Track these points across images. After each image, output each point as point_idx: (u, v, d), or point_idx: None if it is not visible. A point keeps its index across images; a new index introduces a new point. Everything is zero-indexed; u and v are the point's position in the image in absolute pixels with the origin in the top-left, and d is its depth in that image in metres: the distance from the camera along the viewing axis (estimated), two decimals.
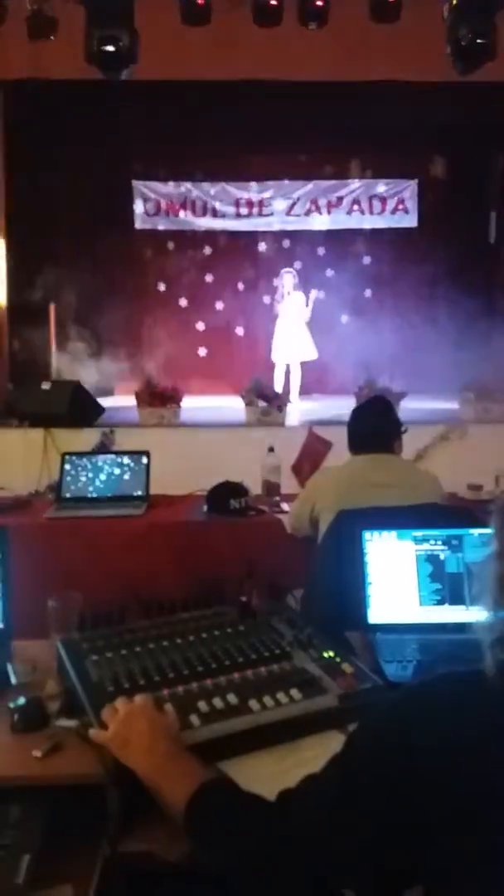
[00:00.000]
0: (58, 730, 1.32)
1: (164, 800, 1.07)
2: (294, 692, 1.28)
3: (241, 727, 1.21)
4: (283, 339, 7.49)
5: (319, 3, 4.82)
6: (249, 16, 4.91)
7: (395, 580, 1.73)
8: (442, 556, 1.71)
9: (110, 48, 4.47)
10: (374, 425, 2.64)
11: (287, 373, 7.50)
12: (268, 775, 1.12)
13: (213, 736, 1.20)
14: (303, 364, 7.58)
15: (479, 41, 4.41)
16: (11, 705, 1.37)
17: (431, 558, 1.72)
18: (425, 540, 1.73)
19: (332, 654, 1.41)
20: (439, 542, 1.72)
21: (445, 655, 1.56)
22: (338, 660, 1.39)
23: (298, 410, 6.08)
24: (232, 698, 1.26)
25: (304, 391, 7.63)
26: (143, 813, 1.13)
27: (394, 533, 1.74)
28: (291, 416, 5.51)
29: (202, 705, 1.25)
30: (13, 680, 1.51)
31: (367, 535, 1.74)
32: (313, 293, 7.51)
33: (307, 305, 7.50)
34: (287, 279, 7.55)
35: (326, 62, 5.32)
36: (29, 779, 1.22)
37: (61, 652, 1.44)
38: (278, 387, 6.80)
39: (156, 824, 1.11)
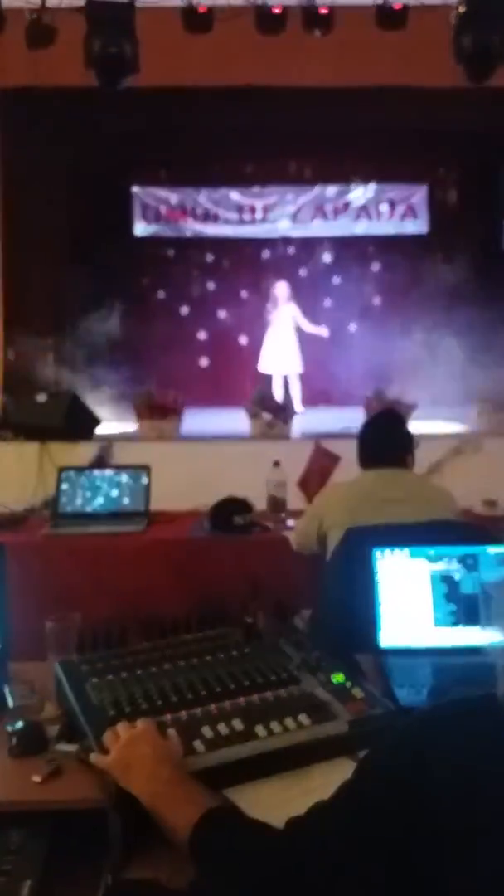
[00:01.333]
0: (57, 754, 1.30)
1: (167, 827, 1.05)
2: (302, 718, 1.25)
3: (246, 753, 1.19)
4: (271, 351, 7.48)
5: (324, 10, 4.82)
6: (252, 23, 4.91)
7: (408, 600, 1.68)
8: (457, 576, 1.67)
9: (110, 57, 4.47)
10: (386, 439, 2.60)
11: (286, 384, 7.47)
12: (275, 803, 1.10)
13: (218, 762, 1.17)
14: (302, 375, 7.55)
15: (486, 48, 4.40)
16: (10, 729, 1.35)
17: (446, 578, 1.67)
18: (440, 558, 1.68)
19: (341, 678, 1.38)
20: (454, 561, 1.67)
21: (460, 679, 1.51)
22: (348, 684, 1.36)
23: (304, 423, 6.03)
24: (237, 724, 1.24)
25: (311, 402, 7.59)
26: (146, 840, 1.11)
27: (406, 550, 1.70)
28: (297, 429, 5.46)
29: (206, 731, 1.22)
30: (10, 703, 1.48)
31: (377, 553, 1.69)
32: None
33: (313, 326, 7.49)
34: (280, 290, 7.53)
35: (332, 68, 5.32)
36: (29, 804, 1.21)
37: (60, 674, 1.42)
38: (278, 398, 6.77)
39: (159, 851, 1.09)
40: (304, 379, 7.58)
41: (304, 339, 7.72)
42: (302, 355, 7.60)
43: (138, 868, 1.12)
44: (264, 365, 7.55)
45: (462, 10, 4.48)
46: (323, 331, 7.60)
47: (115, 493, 3.29)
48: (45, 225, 7.10)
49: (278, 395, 7.07)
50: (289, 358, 7.42)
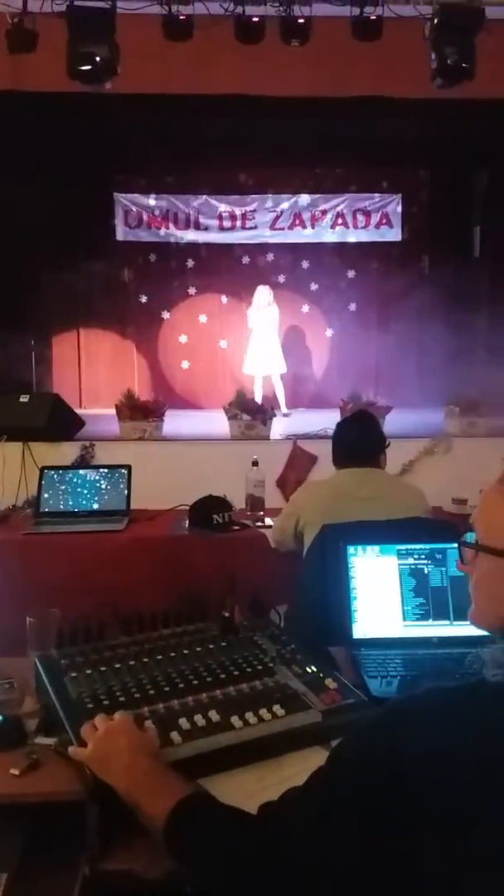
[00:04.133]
0: (36, 747, 1.30)
1: (144, 817, 1.05)
2: (277, 708, 1.27)
3: (223, 744, 1.20)
4: (255, 353, 7.50)
5: (301, 20, 4.86)
6: (232, 32, 4.94)
7: (379, 595, 1.72)
8: (426, 570, 1.71)
9: (91, 62, 4.49)
10: (359, 439, 2.65)
11: (268, 386, 7.49)
12: (250, 792, 1.11)
13: (195, 753, 1.18)
14: (283, 377, 7.59)
15: (458, 60, 4.48)
16: None
17: (415, 572, 1.71)
18: (409, 554, 1.72)
19: (315, 669, 1.40)
20: (423, 557, 1.72)
21: (430, 670, 1.55)
22: (321, 675, 1.38)
23: (283, 424, 6.08)
24: (214, 715, 1.25)
25: (289, 404, 7.64)
26: (123, 831, 1.11)
27: (377, 547, 1.74)
28: (276, 430, 5.50)
29: (183, 722, 1.23)
30: None
31: (350, 549, 1.73)
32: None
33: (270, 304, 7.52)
34: (261, 293, 7.57)
35: (309, 78, 5.37)
36: (6, 797, 1.20)
37: (39, 669, 1.42)
38: (259, 400, 6.80)
39: (136, 842, 1.10)
40: (284, 382, 7.62)
41: (283, 344, 7.77)
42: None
43: (115, 859, 1.13)
44: (248, 367, 7.57)
45: (436, 21, 4.56)
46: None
47: (96, 492, 3.31)
48: (27, 229, 7.08)
49: (258, 397, 7.10)
50: (272, 360, 7.45)
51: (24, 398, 5.03)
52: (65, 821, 1.16)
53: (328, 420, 5.12)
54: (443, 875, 0.78)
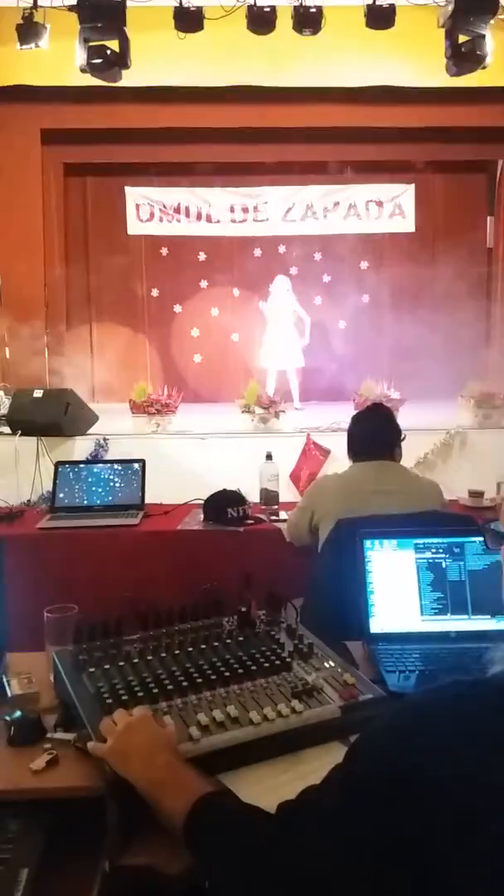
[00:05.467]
0: (55, 743, 1.31)
1: (163, 813, 1.05)
2: (295, 703, 1.27)
3: (241, 739, 1.20)
4: (273, 346, 7.46)
5: (313, 9, 4.83)
6: (243, 22, 4.91)
7: (396, 589, 1.71)
8: (444, 564, 1.70)
9: (102, 55, 4.48)
10: (375, 432, 2.63)
11: (283, 380, 7.46)
12: (269, 787, 1.11)
13: (214, 748, 1.18)
14: (298, 370, 7.56)
15: (472, 47, 4.43)
16: (8, 718, 1.36)
17: (433, 566, 1.70)
18: (427, 548, 1.71)
19: (332, 664, 1.40)
20: (441, 550, 1.70)
21: (448, 665, 1.54)
22: (339, 670, 1.38)
23: (296, 418, 6.06)
24: (232, 710, 1.25)
25: (303, 397, 7.61)
26: (142, 827, 1.11)
27: (394, 541, 1.73)
28: (289, 423, 5.49)
29: (202, 717, 1.23)
30: (9, 693, 1.49)
31: (367, 543, 1.72)
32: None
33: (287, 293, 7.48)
34: (279, 284, 7.53)
35: (322, 68, 5.34)
36: (26, 792, 1.21)
37: (58, 664, 1.42)
38: (272, 393, 6.78)
39: (155, 838, 1.09)
40: (298, 374, 7.60)
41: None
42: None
43: (135, 854, 1.13)
44: (264, 360, 7.53)
45: (450, 8, 4.51)
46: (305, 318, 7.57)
47: (110, 486, 3.31)
48: (38, 223, 7.10)
49: (271, 390, 7.08)
50: (289, 353, 7.41)
51: (38, 393, 5.05)
52: (85, 816, 1.17)
53: (341, 413, 5.10)
54: (460, 874, 0.77)
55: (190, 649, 1.45)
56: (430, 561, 1.71)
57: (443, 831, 0.79)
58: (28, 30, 4.82)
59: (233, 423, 5.45)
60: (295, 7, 4.86)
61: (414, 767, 0.82)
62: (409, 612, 1.70)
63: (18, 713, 1.36)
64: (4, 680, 1.53)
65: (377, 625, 1.71)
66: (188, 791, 1.03)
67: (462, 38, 4.63)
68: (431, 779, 0.80)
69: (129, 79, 4.82)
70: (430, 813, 0.79)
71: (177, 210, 8.61)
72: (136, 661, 1.41)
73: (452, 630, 1.67)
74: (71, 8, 4.54)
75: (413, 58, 5.29)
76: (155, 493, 3.36)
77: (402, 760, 0.83)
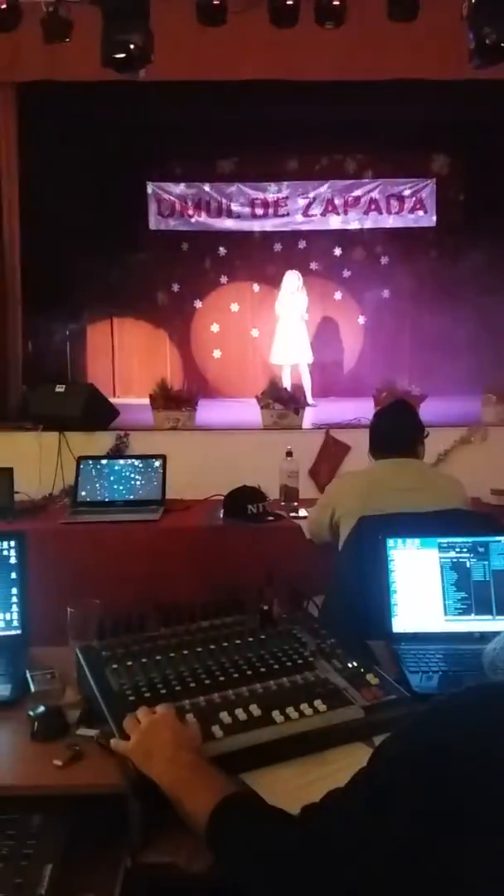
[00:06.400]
0: (78, 739, 1.31)
1: (186, 812, 1.06)
2: (318, 703, 1.26)
3: (264, 739, 1.20)
4: (282, 341, 7.44)
5: (336, 2, 4.78)
6: (265, 16, 4.87)
7: (420, 588, 1.70)
8: (468, 564, 1.68)
9: (125, 49, 4.46)
10: (397, 429, 2.61)
11: (297, 375, 7.43)
12: (292, 788, 1.11)
13: (236, 747, 1.18)
14: (311, 366, 7.53)
15: (497, 39, 4.36)
16: (31, 713, 1.36)
17: (457, 566, 1.69)
18: (451, 547, 1.69)
19: (356, 664, 1.39)
20: (465, 550, 1.69)
21: (472, 666, 1.53)
22: (362, 670, 1.37)
23: (315, 413, 6.04)
24: (255, 709, 1.25)
25: (322, 393, 7.58)
26: (165, 824, 1.11)
27: (417, 540, 1.71)
28: (308, 419, 5.47)
29: (224, 716, 1.23)
30: (32, 688, 1.50)
31: (390, 542, 1.71)
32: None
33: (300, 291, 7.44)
34: (290, 280, 7.49)
35: (344, 61, 5.29)
36: (50, 788, 1.21)
37: (81, 660, 1.43)
38: (289, 389, 6.74)
39: (178, 836, 1.10)
40: (314, 371, 7.56)
41: (315, 331, 7.71)
42: (311, 347, 7.57)
43: (157, 852, 1.13)
44: (275, 356, 7.52)
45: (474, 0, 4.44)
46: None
47: (131, 481, 3.32)
48: (61, 219, 7.12)
49: (287, 386, 7.05)
50: (299, 348, 7.39)
51: (59, 388, 5.07)
52: (107, 813, 1.17)
53: (361, 409, 5.07)
54: (489, 874, 0.77)
55: (212, 647, 1.45)
56: (455, 560, 1.69)
57: (471, 833, 0.79)
58: (53, 25, 4.82)
59: (252, 419, 5.44)
60: (317, 0, 4.82)
61: (441, 770, 0.82)
62: (432, 612, 1.69)
63: (42, 708, 1.36)
64: (27, 675, 1.54)
65: (400, 624, 1.70)
66: (211, 791, 1.03)
67: (487, 30, 4.55)
68: (459, 781, 0.80)
69: (151, 73, 4.81)
70: (459, 815, 0.79)
71: (197, 205, 8.61)
72: (158, 658, 1.42)
73: (476, 630, 1.66)
74: (94, 2, 4.53)
75: (436, 50, 5.22)
76: (175, 489, 3.37)
77: (428, 764, 0.83)
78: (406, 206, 8.57)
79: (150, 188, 8.60)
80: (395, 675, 1.45)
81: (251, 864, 0.95)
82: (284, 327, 7.41)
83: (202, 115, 6.96)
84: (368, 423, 2.77)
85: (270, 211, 8.63)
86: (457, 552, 1.70)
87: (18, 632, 1.71)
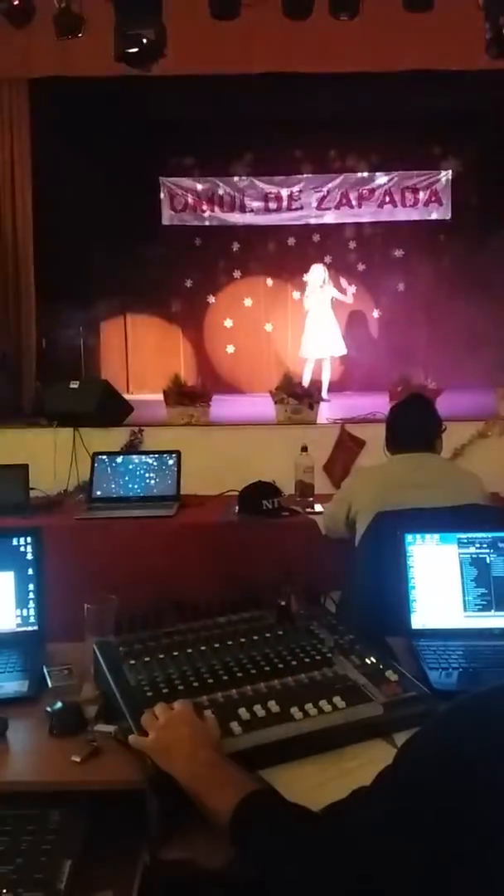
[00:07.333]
0: (96, 735, 1.31)
1: (206, 808, 1.05)
2: (337, 700, 1.25)
3: (283, 735, 1.19)
4: (313, 335, 7.40)
5: None
6: (278, 8, 4.85)
7: (438, 584, 1.68)
8: (488, 560, 1.66)
9: (138, 44, 4.46)
10: (415, 424, 2.59)
11: (317, 369, 7.40)
12: (310, 785, 1.10)
13: (255, 744, 1.17)
14: (332, 360, 7.50)
15: None
16: (49, 709, 1.36)
17: (477, 561, 1.67)
18: (471, 543, 1.68)
19: (374, 660, 1.38)
20: (485, 545, 1.67)
21: (492, 662, 1.51)
22: (381, 667, 1.36)
23: (330, 408, 6.02)
24: (273, 706, 1.24)
25: (336, 388, 7.55)
26: (183, 820, 1.11)
27: (437, 536, 1.70)
28: (323, 414, 5.45)
29: (243, 712, 1.22)
30: (49, 683, 1.50)
31: (409, 537, 1.69)
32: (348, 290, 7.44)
33: (344, 296, 7.43)
34: (316, 273, 7.45)
35: (358, 53, 5.26)
36: (68, 784, 1.21)
37: (98, 656, 1.43)
38: (307, 383, 6.72)
39: (197, 832, 1.09)
40: (333, 365, 7.54)
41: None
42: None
43: (176, 848, 1.12)
44: (305, 350, 7.47)
45: None
46: (348, 298, 7.54)
47: (146, 477, 3.33)
48: (75, 214, 7.13)
49: (306, 380, 7.02)
50: (331, 341, 7.35)
51: (74, 384, 5.09)
52: (126, 809, 1.17)
53: (376, 403, 5.05)
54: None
55: (230, 643, 1.45)
56: (474, 556, 1.67)
57: (499, 834, 0.77)
58: (66, 21, 4.82)
59: (266, 414, 5.43)
60: None
61: (466, 771, 0.81)
62: (451, 608, 1.67)
63: (60, 704, 1.36)
64: (45, 670, 1.54)
65: (419, 621, 1.68)
66: (233, 788, 1.03)
67: (503, 20, 4.51)
68: (487, 781, 0.80)
69: (163, 68, 4.80)
70: (485, 815, 0.79)
71: (210, 200, 8.60)
72: (176, 654, 1.41)
73: (497, 626, 1.64)
74: None
75: (451, 40, 5.17)
76: (190, 485, 3.37)
77: (456, 762, 0.82)
78: (421, 199, 8.53)
79: (163, 183, 8.59)
80: (415, 672, 1.43)
81: (279, 862, 0.95)
82: (314, 321, 7.37)
83: (215, 110, 6.94)
84: (384, 417, 2.75)
85: (284, 205, 8.61)
86: (476, 547, 1.68)
87: (35, 627, 1.71)
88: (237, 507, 3.15)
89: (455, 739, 0.84)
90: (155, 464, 3.35)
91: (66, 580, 1.94)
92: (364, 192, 8.54)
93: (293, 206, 8.60)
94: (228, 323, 8.92)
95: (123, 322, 8.84)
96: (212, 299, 8.91)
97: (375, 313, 8.72)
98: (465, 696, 0.91)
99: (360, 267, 8.69)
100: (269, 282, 8.83)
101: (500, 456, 4.42)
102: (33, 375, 6.25)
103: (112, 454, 3.51)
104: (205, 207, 8.63)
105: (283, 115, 7.14)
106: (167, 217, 8.66)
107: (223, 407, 5.82)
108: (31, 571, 1.72)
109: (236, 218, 8.65)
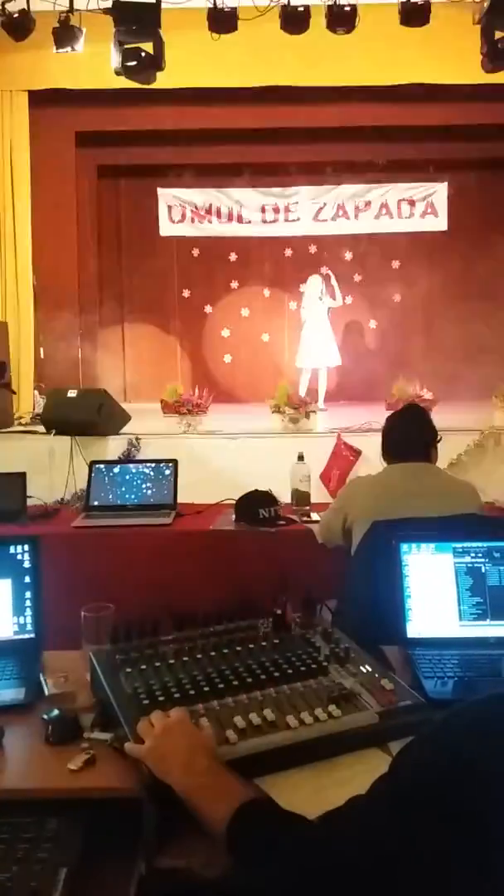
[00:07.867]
0: (92, 742, 1.31)
1: (202, 816, 1.05)
2: (332, 708, 1.25)
3: (278, 743, 1.19)
4: (309, 346, 7.44)
5: (347, 7, 4.80)
6: (276, 22, 4.90)
7: (434, 594, 1.69)
8: (483, 569, 1.67)
9: (137, 57, 4.51)
10: (410, 433, 2.59)
11: (313, 379, 7.43)
12: (306, 793, 1.10)
13: (251, 752, 1.17)
14: (329, 370, 7.53)
15: None
16: (45, 717, 1.36)
17: (472, 571, 1.68)
18: (466, 552, 1.68)
19: (370, 669, 1.38)
20: (480, 555, 1.68)
21: (487, 671, 1.52)
22: (376, 675, 1.36)
23: (326, 418, 6.04)
24: (269, 713, 1.24)
25: (333, 398, 7.57)
26: (179, 828, 1.11)
27: (432, 545, 1.70)
28: (320, 424, 5.47)
29: (238, 720, 1.22)
30: (46, 691, 1.50)
31: (404, 546, 1.70)
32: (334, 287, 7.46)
33: (334, 300, 7.45)
34: (314, 284, 7.49)
35: (355, 66, 5.32)
36: (64, 792, 1.21)
37: (94, 664, 1.43)
38: (304, 393, 6.75)
39: (193, 840, 1.09)
40: (330, 375, 7.56)
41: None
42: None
43: (172, 857, 1.12)
44: (301, 360, 7.50)
45: (487, 3, 4.46)
46: (338, 301, 7.56)
47: (143, 486, 3.33)
48: (73, 226, 7.17)
49: (303, 390, 7.05)
50: (327, 352, 7.38)
51: (72, 393, 5.11)
52: (122, 817, 1.17)
53: (372, 414, 5.07)
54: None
55: (226, 651, 1.45)
56: (470, 565, 1.68)
57: (495, 840, 0.78)
58: (64, 33, 4.87)
59: (263, 424, 5.45)
60: (329, 6, 4.84)
61: (465, 776, 0.81)
62: (447, 617, 1.68)
63: (56, 712, 1.36)
64: (41, 678, 1.54)
65: (414, 630, 1.68)
66: (229, 796, 1.03)
67: (498, 35, 4.57)
68: (483, 788, 0.80)
69: (162, 81, 4.84)
70: (482, 821, 0.79)
71: (208, 211, 8.64)
72: (172, 661, 1.41)
73: (492, 636, 1.65)
74: (106, 11, 4.57)
75: (447, 55, 5.24)
76: (186, 493, 3.37)
77: (452, 770, 0.82)
78: (417, 211, 8.57)
79: (160, 194, 8.63)
80: (410, 681, 1.44)
81: (274, 870, 0.94)
82: (311, 332, 7.40)
83: (213, 121, 6.99)
84: (380, 427, 2.76)
85: (281, 216, 8.65)
86: (472, 557, 1.68)
87: (32, 635, 1.72)
88: (234, 516, 3.15)
89: (454, 745, 0.85)
90: (152, 473, 3.35)
91: (62, 588, 1.94)
92: (360, 203, 8.59)
93: (290, 217, 8.64)
94: (226, 333, 8.95)
95: (121, 331, 8.86)
96: (209, 309, 8.94)
97: (372, 324, 8.76)
98: (461, 704, 0.92)
99: (357, 278, 8.73)
100: (267, 292, 8.87)
101: (495, 466, 4.44)
102: (31, 384, 6.27)
103: (109, 463, 3.51)
104: (203, 218, 8.67)
105: (281, 126, 7.19)
106: (165, 228, 8.70)
107: (220, 416, 5.84)
108: (28, 579, 1.72)
109: (234, 229, 8.68)
